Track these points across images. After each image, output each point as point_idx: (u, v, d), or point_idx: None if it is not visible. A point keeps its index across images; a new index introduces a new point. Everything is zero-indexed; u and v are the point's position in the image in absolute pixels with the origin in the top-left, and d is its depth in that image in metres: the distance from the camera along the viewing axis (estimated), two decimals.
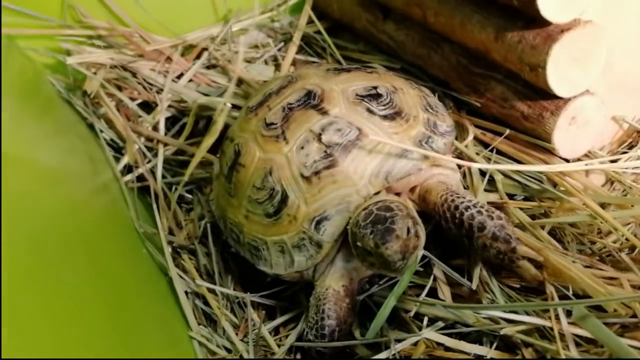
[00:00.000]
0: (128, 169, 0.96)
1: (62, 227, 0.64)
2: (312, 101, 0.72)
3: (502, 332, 0.62)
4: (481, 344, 0.65)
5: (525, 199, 0.75)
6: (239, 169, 0.74)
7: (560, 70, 0.68)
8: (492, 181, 0.76)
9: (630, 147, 0.79)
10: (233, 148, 0.76)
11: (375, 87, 0.73)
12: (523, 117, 0.75)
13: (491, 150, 0.78)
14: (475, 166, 0.69)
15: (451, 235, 0.66)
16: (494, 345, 0.64)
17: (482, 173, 0.77)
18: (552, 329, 0.60)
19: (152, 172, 0.95)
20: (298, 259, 0.70)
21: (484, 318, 0.65)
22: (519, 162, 0.76)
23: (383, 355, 0.65)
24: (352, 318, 0.69)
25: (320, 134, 0.69)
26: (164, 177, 0.95)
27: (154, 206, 0.90)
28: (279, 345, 0.72)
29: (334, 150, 0.68)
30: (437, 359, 0.64)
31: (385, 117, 0.70)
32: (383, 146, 0.68)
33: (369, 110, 0.71)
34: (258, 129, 0.74)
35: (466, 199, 0.65)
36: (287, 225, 0.70)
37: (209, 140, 0.89)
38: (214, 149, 0.89)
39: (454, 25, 0.79)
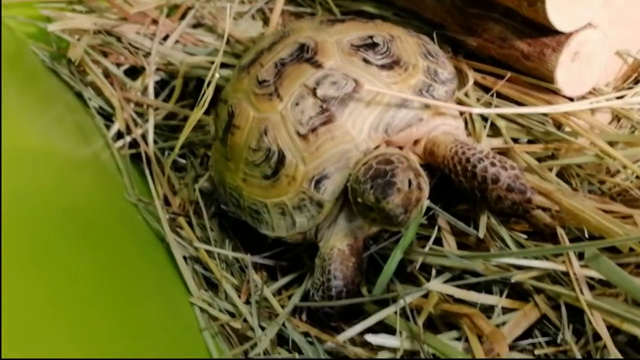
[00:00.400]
0: (118, 136, 0.94)
1: (53, 199, 0.62)
2: (305, 54, 0.69)
3: (513, 280, 0.61)
4: (491, 293, 0.64)
5: (530, 142, 0.73)
6: (233, 131, 0.72)
7: (560, 4, 0.65)
8: (494, 127, 0.74)
9: (636, 82, 0.76)
10: (227, 109, 0.73)
11: (371, 37, 0.70)
12: (523, 56, 0.72)
13: (492, 95, 0.75)
14: (475, 111, 0.67)
15: (461, 188, 0.64)
16: (505, 294, 0.63)
17: (484, 119, 0.74)
18: (565, 273, 0.59)
19: (144, 137, 0.92)
20: (299, 220, 0.68)
21: (494, 266, 0.63)
22: (521, 105, 0.73)
23: (391, 309, 0.64)
24: (359, 277, 0.68)
25: (315, 89, 0.66)
26: (155, 142, 0.93)
27: (147, 172, 0.88)
28: (282, 307, 0.71)
29: (330, 105, 0.66)
30: (449, 312, 0.62)
31: (382, 66, 0.67)
32: (382, 97, 0.65)
33: (366, 61, 0.68)
34: (251, 87, 0.71)
35: (477, 150, 0.63)
36: (287, 186, 0.68)
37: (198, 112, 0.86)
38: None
39: None
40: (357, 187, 0.60)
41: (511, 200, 0.62)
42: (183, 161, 0.94)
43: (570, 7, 0.66)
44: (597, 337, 0.56)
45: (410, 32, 0.74)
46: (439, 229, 0.70)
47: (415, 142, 0.68)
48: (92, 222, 0.67)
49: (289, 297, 0.73)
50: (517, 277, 0.61)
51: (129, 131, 0.93)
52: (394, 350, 0.62)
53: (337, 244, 0.67)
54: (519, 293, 0.64)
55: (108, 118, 0.97)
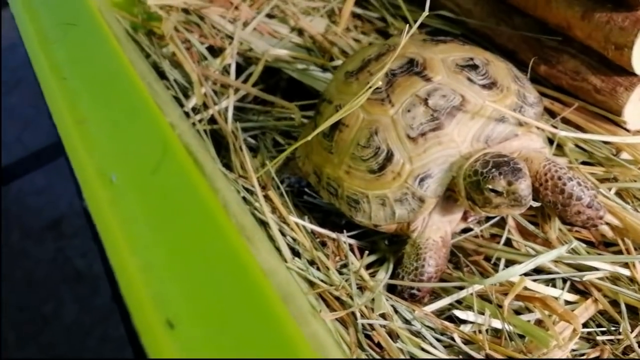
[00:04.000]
0: (193, 111, 1.00)
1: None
2: (415, 68, 0.79)
3: (585, 279, 0.73)
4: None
5: (586, 164, 0.86)
6: (342, 129, 0.80)
7: None
8: (559, 147, 0.86)
9: None
10: (334, 109, 0.82)
11: (472, 59, 0.80)
12: (595, 90, 0.84)
13: (560, 119, 0.86)
14: (561, 134, 0.78)
15: (545, 200, 0.75)
16: (566, 289, 0.75)
17: (550, 140, 0.86)
18: (630, 279, 0.72)
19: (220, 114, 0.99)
20: (399, 212, 0.77)
21: (564, 264, 0.75)
22: (585, 131, 0.85)
23: (469, 291, 0.74)
24: (445, 266, 0.78)
25: (426, 99, 0.76)
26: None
27: (230, 147, 0.94)
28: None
29: (440, 114, 0.75)
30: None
31: (484, 86, 0.78)
32: (484, 112, 0.76)
33: (469, 79, 0.78)
34: (361, 91, 0.80)
35: (566, 169, 0.74)
36: (391, 181, 0.77)
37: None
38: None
39: (537, 1, 0.86)
40: (481, 178, 0.70)
41: (587, 215, 0.74)
42: (254, 142, 1.01)
43: None
44: None
45: (498, 57, 0.85)
46: (509, 231, 0.82)
47: None
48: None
49: (372, 275, 0.82)
50: (588, 276, 0.73)
51: (205, 107, 1.00)
52: (478, 325, 0.73)
53: (432, 236, 0.78)
54: (579, 291, 0.76)
55: (183, 93, 1.03)
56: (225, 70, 1.05)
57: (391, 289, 0.80)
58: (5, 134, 2.08)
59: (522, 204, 0.70)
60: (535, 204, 0.73)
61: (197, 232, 0.52)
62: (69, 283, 1.67)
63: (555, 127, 0.86)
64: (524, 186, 0.69)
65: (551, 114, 0.89)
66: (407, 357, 0.70)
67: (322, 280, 0.79)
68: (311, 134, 0.85)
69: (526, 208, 0.71)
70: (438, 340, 0.72)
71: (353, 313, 0.75)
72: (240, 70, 1.06)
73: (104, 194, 0.54)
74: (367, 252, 0.85)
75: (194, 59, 1.04)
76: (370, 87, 0.75)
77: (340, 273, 0.80)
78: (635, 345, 0.68)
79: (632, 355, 0.68)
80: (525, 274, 0.76)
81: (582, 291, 0.76)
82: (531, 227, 0.80)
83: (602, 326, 0.73)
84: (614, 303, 0.73)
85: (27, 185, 1.94)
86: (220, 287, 0.48)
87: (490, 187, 0.70)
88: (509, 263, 0.78)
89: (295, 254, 0.83)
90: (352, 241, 0.86)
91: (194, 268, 0.50)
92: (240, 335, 0.43)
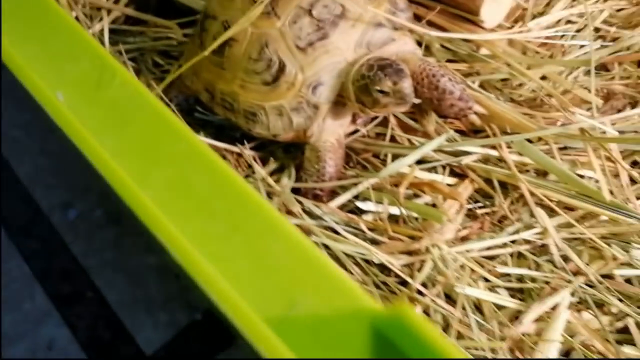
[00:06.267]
0: None
1: None
2: None
3: (463, 162, 0.83)
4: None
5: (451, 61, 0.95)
6: (231, 44, 0.83)
7: None
8: (427, 49, 0.94)
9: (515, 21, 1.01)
10: (220, 25, 0.83)
11: None
12: None
13: (426, 22, 0.95)
14: (431, 34, 0.86)
15: (422, 97, 0.83)
16: (446, 173, 0.86)
17: (419, 43, 0.94)
18: (499, 159, 0.83)
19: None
20: (297, 120, 0.82)
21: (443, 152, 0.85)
22: (449, 32, 0.94)
23: (365, 184, 0.83)
24: (342, 167, 0.85)
25: (310, 9, 0.80)
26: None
27: None
28: None
29: (325, 24, 0.80)
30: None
31: None
32: (363, 19, 0.81)
33: None
34: (245, 6, 0.82)
35: (438, 68, 0.82)
36: (285, 92, 0.82)
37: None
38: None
39: None
40: (368, 81, 0.76)
41: (459, 107, 0.84)
42: (134, 65, 1.00)
43: None
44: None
45: None
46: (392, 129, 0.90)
47: None
48: None
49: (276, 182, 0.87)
50: (465, 160, 0.84)
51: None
52: (378, 214, 0.81)
53: (329, 138, 0.84)
54: (457, 174, 0.87)
55: None
56: None
57: (294, 192, 0.86)
58: None
59: (407, 101, 0.77)
60: (417, 101, 0.81)
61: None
62: None
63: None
64: (407, 84, 0.76)
65: (417, 18, 0.96)
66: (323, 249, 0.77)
67: None
68: (196, 51, 0.86)
69: (410, 105, 0.79)
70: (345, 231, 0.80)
71: None
72: None
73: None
74: (268, 160, 0.90)
75: None
76: (260, 2, 0.78)
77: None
78: (508, 213, 0.80)
79: (506, 223, 0.80)
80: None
81: (459, 174, 0.86)
82: (411, 123, 0.89)
83: (478, 202, 0.84)
84: (487, 182, 0.84)
85: None
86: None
87: (377, 88, 0.77)
88: (395, 157, 0.87)
89: None
90: (252, 153, 0.91)
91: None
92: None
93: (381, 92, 0.77)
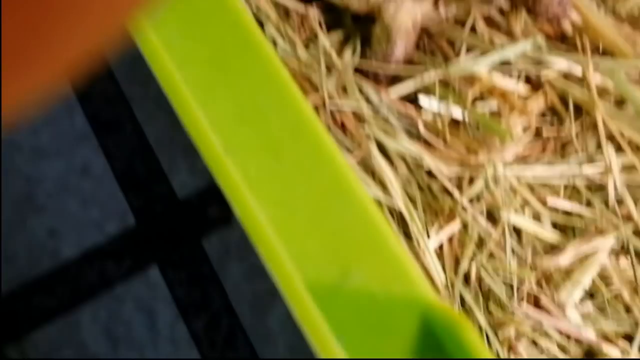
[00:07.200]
0: None
1: None
2: None
3: (542, 74, 0.77)
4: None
5: None
6: None
7: None
8: None
9: None
10: None
11: None
12: None
13: None
14: None
15: None
16: (521, 81, 0.79)
17: None
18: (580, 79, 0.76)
19: None
20: None
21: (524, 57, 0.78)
22: None
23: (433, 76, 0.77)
24: (412, 53, 0.79)
25: None
26: None
27: None
28: None
29: None
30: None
31: None
32: None
33: None
34: None
35: None
36: None
37: None
38: None
39: None
40: None
41: (555, 10, 0.76)
42: None
43: None
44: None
45: None
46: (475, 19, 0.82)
47: None
48: None
49: (338, 54, 0.82)
50: (546, 72, 0.77)
51: None
52: (437, 115, 0.77)
53: (405, 20, 0.77)
54: (532, 85, 0.81)
55: None
56: None
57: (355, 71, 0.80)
58: None
59: None
60: None
61: None
62: None
63: None
64: None
65: None
66: (373, 141, 0.74)
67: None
68: None
69: None
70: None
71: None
72: None
73: None
74: (334, 27, 0.83)
75: None
76: None
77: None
78: (575, 140, 0.75)
79: (568, 150, 0.76)
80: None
81: (532, 84, 0.80)
82: (497, 18, 0.80)
83: (546, 119, 0.79)
84: (561, 100, 0.78)
85: None
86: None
87: None
88: (470, 50, 0.80)
89: (260, 24, 0.80)
90: (318, 15, 0.83)
91: None
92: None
93: None
